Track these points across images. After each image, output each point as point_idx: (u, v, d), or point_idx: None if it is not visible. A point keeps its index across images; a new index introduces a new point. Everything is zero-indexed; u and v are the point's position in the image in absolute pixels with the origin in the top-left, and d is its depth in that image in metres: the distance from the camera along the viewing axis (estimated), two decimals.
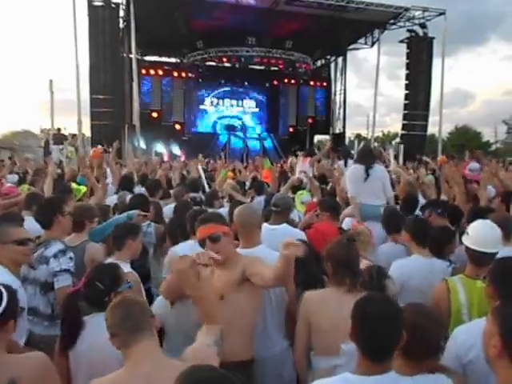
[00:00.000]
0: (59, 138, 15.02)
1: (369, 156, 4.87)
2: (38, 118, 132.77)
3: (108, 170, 7.80)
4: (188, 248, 3.25)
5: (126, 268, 2.88)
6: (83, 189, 5.70)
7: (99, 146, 9.62)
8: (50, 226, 3.25)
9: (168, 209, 4.98)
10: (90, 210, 3.78)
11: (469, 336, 2.03)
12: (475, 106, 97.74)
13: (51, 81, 15.49)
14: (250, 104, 27.30)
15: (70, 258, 3.05)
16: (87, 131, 18.35)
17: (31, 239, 2.77)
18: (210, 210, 4.61)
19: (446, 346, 1.94)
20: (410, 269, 3.05)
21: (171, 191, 5.87)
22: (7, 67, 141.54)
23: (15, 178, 7.49)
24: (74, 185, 5.65)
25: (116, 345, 1.84)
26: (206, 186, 6.58)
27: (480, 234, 2.66)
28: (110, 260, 3.09)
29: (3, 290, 1.87)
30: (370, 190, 4.65)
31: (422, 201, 4.97)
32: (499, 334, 1.19)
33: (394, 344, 1.64)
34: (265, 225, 3.83)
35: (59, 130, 15.65)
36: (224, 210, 4.59)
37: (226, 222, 2.78)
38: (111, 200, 5.47)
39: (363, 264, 2.82)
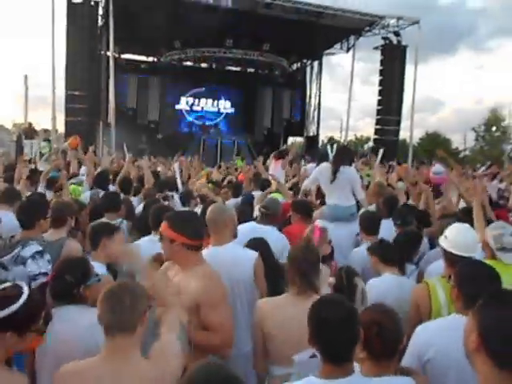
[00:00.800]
0: (30, 132, 14.83)
1: (340, 157, 4.82)
2: (12, 112, 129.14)
3: (82, 169, 7.83)
4: (148, 243, 3.34)
5: (100, 269, 2.77)
6: (79, 189, 5.70)
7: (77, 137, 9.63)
8: (31, 227, 3.19)
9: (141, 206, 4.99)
10: (70, 206, 3.76)
11: (428, 334, 2.10)
12: (445, 113, 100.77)
13: (26, 76, 15.37)
14: (225, 105, 27.42)
15: (48, 261, 2.96)
16: (61, 127, 18.16)
17: None
18: (187, 209, 4.79)
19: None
20: (383, 290, 2.94)
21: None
22: None
23: None
24: (72, 186, 5.64)
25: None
26: (180, 186, 6.66)
27: (459, 237, 2.69)
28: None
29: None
30: (338, 191, 4.63)
31: None
32: (477, 330, 1.25)
33: (351, 346, 1.67)
34: (253, 223, 4.02)
35: (30, 124, 15.44)
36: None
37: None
38: (85, 197, 5.47)
39: None
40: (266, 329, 2.39)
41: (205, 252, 2.71)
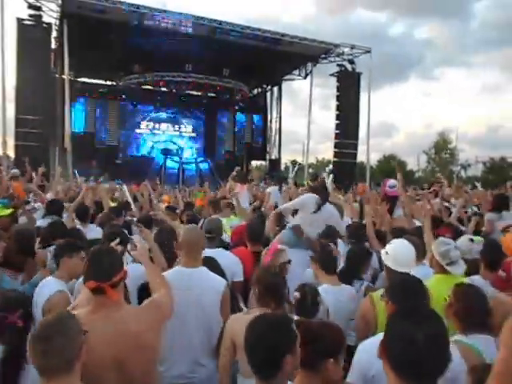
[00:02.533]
0: None
1: (325, 193, 4.78)
2: None
3: (31, 196, 7.53)
4: None
5: (60, 286, 2.89)
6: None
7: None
8: None
9: (93, 231, 4.86)
10: None
11: (369, 353, 2.04)
12: (400, 137, 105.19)
13: None
14: (186, 129, 27.38)
15: None
16: (12, 152, 17.48)
17: None
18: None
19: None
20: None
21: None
22: None
23: None
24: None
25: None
26: (134, 210, 6.50)
27: (397, 253, 2.82)
28: (49, 278, 3.04)
29: None
30: (315, 223, 4.55)
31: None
32: (383, 340, 1.42)
33: (269, 362, 1.64)
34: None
35: None
36: None
37: None
38: (39, 224, 5.14)
39: None
40: (238, 342, 2.39)
41: (174, 270, 2.91)
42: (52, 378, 1.68)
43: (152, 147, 26.27)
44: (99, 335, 2.02)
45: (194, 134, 27.62)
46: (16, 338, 2.14)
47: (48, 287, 2.93)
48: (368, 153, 23.94)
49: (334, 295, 3.01)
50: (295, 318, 2.25)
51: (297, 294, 2.61)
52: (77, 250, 3.16)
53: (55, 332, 1.69)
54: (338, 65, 23.10)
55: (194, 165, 25.91)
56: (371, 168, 25.88)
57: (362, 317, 2.74)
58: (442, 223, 5.12)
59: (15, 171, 12.11)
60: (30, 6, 16.85)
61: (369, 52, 22.14)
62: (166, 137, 26.78)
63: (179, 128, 27.14)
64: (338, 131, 23.31)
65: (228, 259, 3.68)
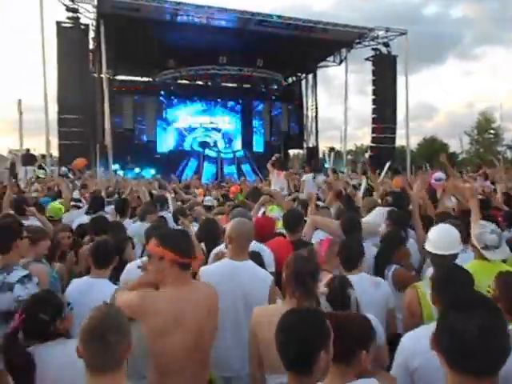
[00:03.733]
0: (28, 158, 14.85)
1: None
2: (6, 139, 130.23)
3: (74, 193, 7.90)
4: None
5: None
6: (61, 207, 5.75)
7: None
8: (8, 250, 3.13)
9: (135, 227, 5.07)
10: (41, 230, 3.83)
11: (414, 343, 2.04)
12: (439, 118, 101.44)
13: (20, 100, 15.35)
14: (223, 121, 27.58)
15: (37, 284, 2.94)
16: (55, 151, 18.27)
17: None
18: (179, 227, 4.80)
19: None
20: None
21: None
22: None
23: None
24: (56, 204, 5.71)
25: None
26: (171, 205, 6.69)
27: (438, 237, 2.75)
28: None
29: None
30: None
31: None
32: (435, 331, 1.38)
33: (305, 357, 1.61)
34: None
35: (28, 150, 15.46)
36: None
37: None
38: (82, 220, 5.47)
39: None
40: (261, 336, 2.39)
41: (222, 262, 2.95)
42: (102, 374, 1.67)
43: (189, 141, 26.68)
44: (187, 304, 2.30)
45: (230, 126, 27.80)
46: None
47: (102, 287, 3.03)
48: (407, 136, 23.35)
49: (356, 285, 2.93)
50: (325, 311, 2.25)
51: (325, 290, 2.55)
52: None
53: (109, 329, 1.67)
54: (372, 49, 22.72)
55: (231, 156, 26.14)
56: (411, 152, 25.21)
57: (407, 308, 2.69)
58: (490, 206, 5.00)
59: (64, 169, 12.72)
60: (68, 9, 17.45)
61: (404, 34, 21.63)
62: (203, 130, 27.08)
63: (216, 121, 27.38)
64: (374, 116, 22.94)
65: (258, 250, 3.64)
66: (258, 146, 27.96)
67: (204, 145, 25.92)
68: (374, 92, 22.89)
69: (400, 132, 24.41)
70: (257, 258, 3.24)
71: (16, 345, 2.18)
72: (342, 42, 22.33)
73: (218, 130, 27.43)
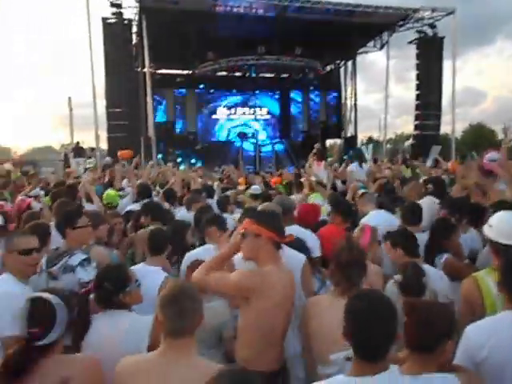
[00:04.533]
0: (79, 151, 15.45)
1: None
2: (58, 133, 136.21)
3: (124, 182, 8.13)
4: (202, 252, 3.51)
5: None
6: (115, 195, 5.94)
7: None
8: (64, 237, 3.32)
9: (181, 215, 5.19)
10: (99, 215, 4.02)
11: (481, 334, 2.00)
12: (487, 104, 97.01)
13: (70, 98, 16.01)
14: (261, 111, 27.59)
15: (95, 267, 3.05)
16: (104, 144, 18.85)
17: (36, 249, 2.73)
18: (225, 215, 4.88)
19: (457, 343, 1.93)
20: None
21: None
22: (29, 87, 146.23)
23: (38, 192, 7.52)
24: (111, 192, 5.92)
25: (160, 329, 1.93)
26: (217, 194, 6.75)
27: (503, 225, 2.56)
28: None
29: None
30: None
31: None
32: None
33: (385, 342, 1.60)
34: None
35: (78, 143, 16.08)
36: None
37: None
38: (131, 208, 5.63)
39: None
40: (310, 328, 2.42)
41: None
42: (178, 338, 1.85)
43: (229, 132, 26.87)
44: (286, 279, 2.48)
45: (268, 116, 27.79)
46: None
47: (154, 275, 3.10)
48: (453, 123, 22.48)
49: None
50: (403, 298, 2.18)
51: (398, 277, 2.53)
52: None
53: (185, 297, 1.87)
54: (417, 31, 21.87)
55: (270, 146, 26.14)
56: (456, 139, 24.35)
57: (465, 300, 2.57)
58: None
59: (108, 159, 13.15)
60: (112, 5, 17.84)
61: (452, 13, 20.54)
62: (242, 121, 27.20)
63: (254, 111, 27.42)
64: (418, 102, 22.25)
65: (303, 235, 3.64)
66: (295, 135, 27.84)
67: (242, 136, 26.05)
68: (418, 77, 22.18)
69: (444, 119, 23.65)
70: (299, 243, 3.24)
71: (85, 306, 2.40)
72: (383, 26, 21.71)
73: (257, 121, 27.48)
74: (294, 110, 28.00)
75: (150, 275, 3.07)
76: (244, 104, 27.16)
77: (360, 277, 2.39)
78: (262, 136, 27.15)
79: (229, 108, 26.90)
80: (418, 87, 22.23)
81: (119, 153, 11.97)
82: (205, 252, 3.46)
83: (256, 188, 6.97)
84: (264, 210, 2.81)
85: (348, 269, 2.37)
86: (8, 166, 13.42)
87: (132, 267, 3.27)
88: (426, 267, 2.93)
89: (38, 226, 3.65)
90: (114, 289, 2.40)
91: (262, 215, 2.55)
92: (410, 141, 24.75)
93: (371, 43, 24.21)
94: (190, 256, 3.56)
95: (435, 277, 2.92)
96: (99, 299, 2.45)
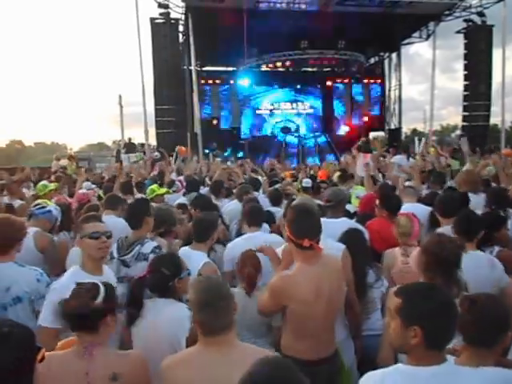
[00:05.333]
0: (130, 147, 16.25)
1: None
2: (111, 130, 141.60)
3: (172, 175, 8.51)
4: (242, 241, 3.69)
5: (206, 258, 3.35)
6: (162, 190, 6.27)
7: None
8: (140, 226, 3.47)
9: (230, 205, 5.52)
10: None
11: None
12: None
13: (120, 96, 16.80)
14: (304, 105, 27.66)
15: None
16: (153, 140, 19.66)
17: (104, 233, 2.83)
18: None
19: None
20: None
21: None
22: (81, 87, 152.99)
23: (90, 185, 7.90)
24: (154, 186, 6.23)
25: (197, 331, 1.96)
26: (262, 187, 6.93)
27: None
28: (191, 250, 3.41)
29: (100, 285, 2.05)
30: None
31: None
32: None
33: (448, 334, 1.65)
34: (323, 219, 4.07)
35: (130, 139, 16.88)
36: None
37: None
38: (180, 201, 5.91)
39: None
40: None
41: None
42: (216, 336, 1.90)
43: (272, 126, 27.16)
44: (322, 279, 2.49)
45: (311, 110, 27.82)
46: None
47: (197, 258, 3.27)
48: (503, 113, 21.65)
49: (472, 262, 2.86)
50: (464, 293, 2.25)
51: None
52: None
53: (218, 298, 1.92)
54: (464, 20, 21.17)
55: (312, 140, 26.22)
56: (506, 131, 23.48)
57: None
58: None
59: (156, 154, 13.81)
60: (160, 5, 18.51)
61: (502, 0, 19.63)
62: (285, 115, 27.37)
63: (297, 105, 27.54)
64: (466, 93, 21.64)
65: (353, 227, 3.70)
66: (338, 128, 27.76)
67: (286, 130, 26.24)
68: (466, 67, 21.57)
69: (493, 110, 22.83)
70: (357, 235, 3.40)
71: (137, 289, 2.52)
72: (429, 16, 21.16)
73: (299, 115, 27.60)
74: (336, 103, 27.91)
75: (194, 258, 3.22)
76: (287, 99, 27.30)
77: (456, 272, 2.43)
78: (305, 130, 27.25)
79: (272, 103, 27.18)
80: (466, 77, 21.62)
81: (177, 148, 12.61)
82: (246, 241, 3.60)
83: (307, 181, 7.27)
84: (291, 209, 2.71)
85: (448, 266, 2.39)
86: (63, 161, 14.38)
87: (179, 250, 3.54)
88: (475, 254, 3.02)
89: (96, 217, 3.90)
90: (170, 274, 2.49)
91: (289, 216, 2.57)
92: (458, 132, 24.15)
93: (416, 34, 23.69)
94: (232, 245, 3.73)
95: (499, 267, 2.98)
96: (154, 285, 2.53)
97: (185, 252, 3.34)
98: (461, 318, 1.72)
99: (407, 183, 6.12)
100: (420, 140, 15.35)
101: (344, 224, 3.74)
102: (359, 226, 3.81)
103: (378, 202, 4.28)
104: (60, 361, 1.92)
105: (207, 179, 8.43)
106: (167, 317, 2.42)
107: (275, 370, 1.31)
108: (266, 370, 1.30)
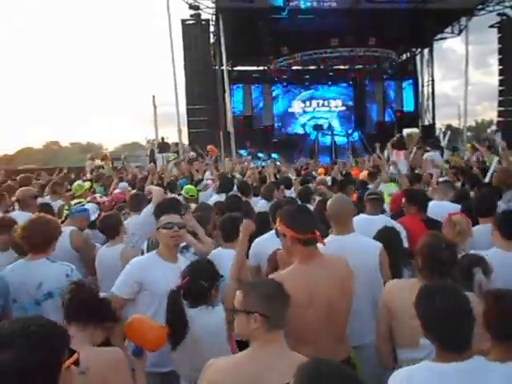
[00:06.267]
0: (164, 146, 16.74)
1: None
2: (145, 130, 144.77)
3: (206, 174, 8.76)
4: (267, 238, 3.63)
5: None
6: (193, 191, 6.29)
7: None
8: None
9: (260, 204, 5.53)
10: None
11: None
12: None
13: (154, 96, 17.29)
14: (336, 103, 27.64)
15: (194, 254, 3.38)
16: (186, 139, 20.16)
17: (177, 224, 2.95)
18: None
19: None
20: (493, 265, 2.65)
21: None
22: (116, 88, 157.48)
23: (125, 185, 8.10)
24: (191, 186, 6.44)
25: (257, 325, 1.83)
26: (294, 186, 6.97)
27: None
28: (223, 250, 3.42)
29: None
30: None
31: None
32: None
33: (465, 335, 1.66)
34: (362, 216, 3.96)
35: (163, 139, 17.37)
36: None
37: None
38: (213, 199, 5.93)
39: None
40: (393, 310, 2.42)
41: (327, 240, 2.74)
42: (275, 331, 1.85)
43: (304, 124, 27.27)
44: (316, 282, 2.32)
45: (343, 108, 27.76)
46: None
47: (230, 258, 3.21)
48: None
49: (503, 260, 2.83)
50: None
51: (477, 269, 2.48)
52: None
53: (282, 294, 1.92)
54: (498, 14, 20.75)
55: (345, 137, 26.17)
56: None
57: None
58: None
59: (192, 154, 14.27)
60: (191, 7, 19.01)
61: None
62: (317, 113, 27.43)
63: (329, 103, 27.56)
64: (502, 87, 21.18)
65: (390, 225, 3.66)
66: (370, 126, 27.58)
67: (318, 128, 26.29)
68: (501, 61, 21.13)
69: None
70: (392, 234, 3.40)
71: (177, 303, 2.43)
72: (461, 10, 20.83)
73: (331, 112, 27.59)
74: (368, 100, 27.71)
75: (226, 258, 3.17)
76: (319, 97, 27.38)
77: (451, 267, 2.40)
78: (337, 127, 27.22)
79: (304, 101, 27.29)
80: (501, 72, 21.19)
81: (208, 147, 12.99)
82: (272, 237, 3.41)
83: (326, 180, 7.41)
84: (289, 208, 2.59)
85: (442, 266, 2.36)
86: (99, 161, 14.95)
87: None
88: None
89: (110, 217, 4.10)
90: (208, 285, 2.50)
91: (285, 214, 2.45)
92: (493, 128, 23.60)
93: (448, 29, 23.34)
94: (258, 241, 3.66)
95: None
96: (194, 295, 2.50)
97: (217, 253, 3.40)
98: (486, 314, 1.77)
99: (441, 179, 6.08)
100: (444, 134, 15.08)
101: (382, 220, 3.78)
102: (395, 224, 3.78)
103: (404, 199, 4.22)
104: None
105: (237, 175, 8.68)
106: (214, 323, 2.47)
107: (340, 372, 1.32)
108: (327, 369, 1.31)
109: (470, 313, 1.68)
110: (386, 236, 3.29)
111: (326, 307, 2.30)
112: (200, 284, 2.47)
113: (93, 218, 4.76)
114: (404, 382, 1.69)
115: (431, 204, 4.35)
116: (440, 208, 4.26)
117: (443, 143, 12.60)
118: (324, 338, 2.31)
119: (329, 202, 3.15)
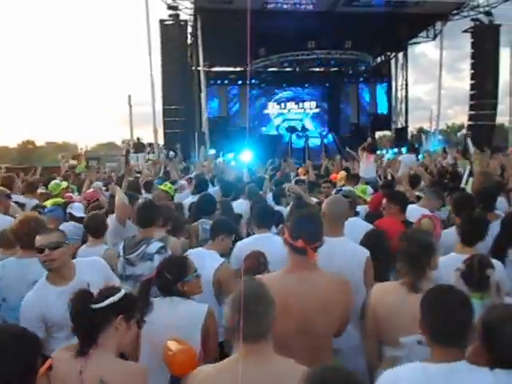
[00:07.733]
0: (139, 146, 16.49)
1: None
2: (120, 130, 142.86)
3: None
4: (249, 242, 3.71)
5: (216, 257, 3.35)
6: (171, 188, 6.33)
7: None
8: (150, 226, 3.56)
9: (238, 204, 5.58)
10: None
11: None
12: None
13: (129, 96, 17.04)
14: (310, 105, 27.79)
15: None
16: (161, 140, 19.87)
17: (47, 244, 2.73)
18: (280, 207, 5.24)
19: None
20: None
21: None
22: (92, 87, 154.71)
23: (100, 184, 7.94)
24: (168, 184, 6.36)
25: (230, 338, 1.83)
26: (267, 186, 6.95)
27: None
28: (204, 250, 3.46)
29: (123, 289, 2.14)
30: None
31: None
32: None
33: (462, 330, 1.68)
34: None
35: (138, 139, 17.13)
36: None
37: None
38: (189, 200, 6.01)
39: None
40: (379, 311, 2.46)
41: None
42: (253, 343, 1.76)
43: (278, 126, 27.33)
44: (293, 293, 2.25)
45: (317, 110, 27.96)
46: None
47: (211, 258, 3.32)
48: (510, 113, 21.80)
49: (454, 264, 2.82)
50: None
51: (461, 266, 2.51)
52: (232, 234, 3.63)
53: (259, 301, 1.79)
54: (472, 19, 21.21)
55: (318, 139, 26.33)
56: None
57: None
58: None
59: (172, 154, 14.05)
60: (170, 7, 18.74)
61: (509, 0, 19.65)
62: (291, 115, 27.52)
63: (303, 105, 27.70)
64: (473, 92, 21.69)
65: (365, 228, 3.70)
66: (344, 128, 27.84)
67: (292, 129, 26.36)
68: (473, 66, 21.62)
69: (500, 108, 22.86)
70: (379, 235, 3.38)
71: (145, 291, 2.60)
72: (437, 15, 21.15)
73: (306, 114, 27.73)
74: (343, 102, 27.99)
75: (208, 258, 3.28)
76: (294, 98, 27.49)
77: (428, 266, 2.43)
78: (311, 129, 27.37)
79: (279, 103, 27.34)
80: (473, 76, 21.68)
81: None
82: (255, 241, 3.66)
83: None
84: (301, 212, 2.57)
85: (416, 260, 2.40)
86: (73, 161, 14.66)
87: (190, 250, 3.57)
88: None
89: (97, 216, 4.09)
90: (173, 278, 2.57)
91: (292, 216, 2.51)
92: (464, 131, 24.15)
93: (423, 33, 23.73)
94: (240, 245, 3.72)
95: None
96: (159, 288, 2.64)
97: (198, 252, 3.37)
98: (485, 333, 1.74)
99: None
100: (427, 137, 15.38)
101: (356, 223, 3.79)
102: (369, 226, 3.80)
103: (384, 200, 4.23)
104: (61, 358, 1.94)
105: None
106: (179, 315, 2.50)
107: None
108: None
109: (468, 311, 1.70)
110: (374, 240, 3.27)
111: (300, 321, 2.24)
112: (164, 276, 2.58)
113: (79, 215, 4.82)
114: (390, 383, 1.72)
115: (409, 208, 4.34)
116: (416, 212, 4.27)
117: (425, 147, 12.76)
118: (300, 349, 2.22)
119: (325, 201, 3.20)
